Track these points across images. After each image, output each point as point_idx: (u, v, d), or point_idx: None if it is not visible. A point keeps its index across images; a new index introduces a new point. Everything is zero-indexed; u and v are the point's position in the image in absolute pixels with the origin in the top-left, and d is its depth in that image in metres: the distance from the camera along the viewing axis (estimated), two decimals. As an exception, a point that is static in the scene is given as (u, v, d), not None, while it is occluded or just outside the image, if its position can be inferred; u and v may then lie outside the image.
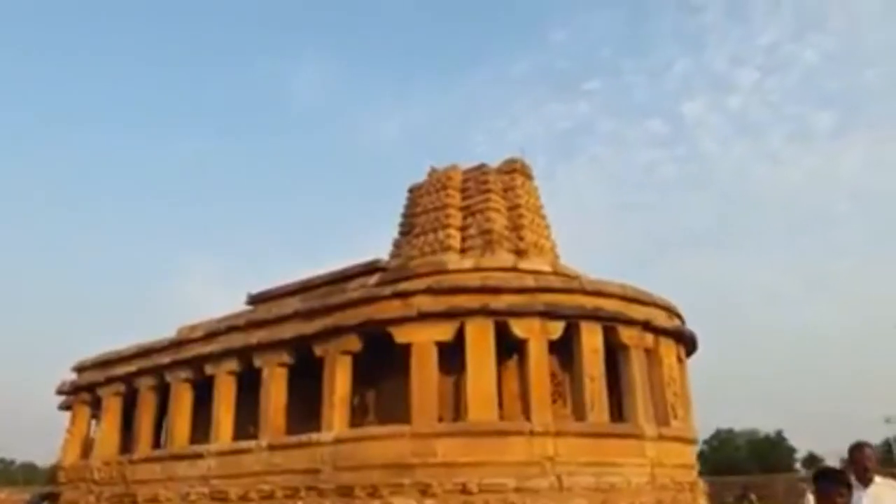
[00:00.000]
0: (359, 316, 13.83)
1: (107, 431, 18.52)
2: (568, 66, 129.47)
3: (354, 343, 13.96)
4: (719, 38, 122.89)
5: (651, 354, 14.33)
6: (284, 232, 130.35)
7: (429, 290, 13.48)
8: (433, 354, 13.18)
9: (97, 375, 19.15)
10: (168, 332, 18.28)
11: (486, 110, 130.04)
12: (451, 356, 13.38)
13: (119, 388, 18.69)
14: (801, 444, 65.22)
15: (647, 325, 14.16)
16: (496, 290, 13.33)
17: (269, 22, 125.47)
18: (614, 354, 14.03)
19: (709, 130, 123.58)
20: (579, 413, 13.40)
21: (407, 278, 14.65)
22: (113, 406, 18.75)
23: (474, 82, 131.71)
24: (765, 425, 61.33)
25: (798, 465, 63.56)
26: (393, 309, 13.56)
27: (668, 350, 14.82)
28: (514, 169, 18.12)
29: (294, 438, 14.14)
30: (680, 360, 15.34)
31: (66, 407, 21.04)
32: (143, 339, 18.65)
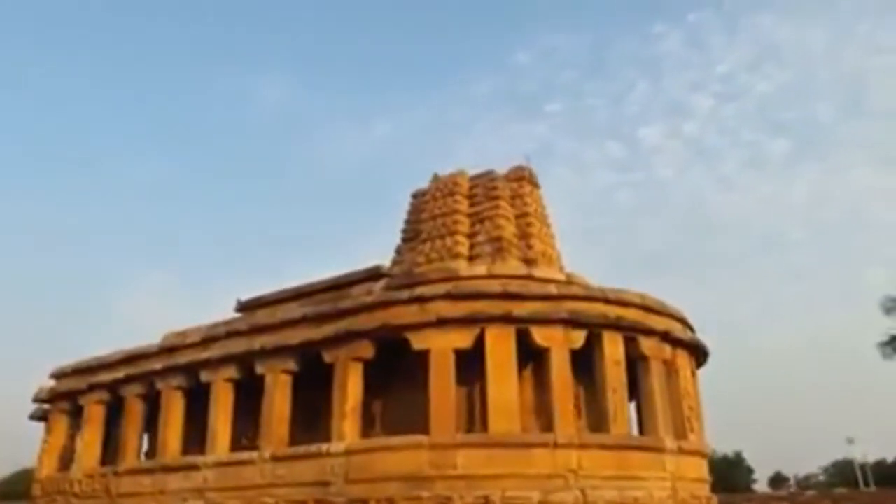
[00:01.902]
0: (373, 321, 13.30)
1: (89, 442, 17.53)
2: (531, 87, 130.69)
3: (367, 349, 13.42)
4: (678, 65, 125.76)
5: (668, 366, 14.08)
6: (238, 245, 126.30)
7: (448, 296, 13.04)
8: (452, 362, 12.72)
9: (78, 382, 18.16)
10: (105, 348, 17.73)
11: (451, 129, 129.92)
12: (465, 364, 12.92)
13: (103, 395, 17.75)
14: (763, 465, 65.97)
15: (665, 336, 13.92)
16: (518, 297, 12.95)
17: (233, 38, 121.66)
18: (632, 365, 13.75)
19: (666, 155, 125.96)
20: (598, 425, 13.06)
21: (417, 284, 14.15)
22: (95, 415, 17.78)
23: (440, 101, 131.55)
24: (723, 446, 61.87)
25: (758, 485, 64.26)
26: (410, 314, 13.08)
27: (684, 362, 14.60)
28: (522, 177, 17.80)
29: (301, 449, 13.49)
30: (692, 373, 15.12)
31: (37, 417, 19.95)
32: (83, 352, 17.95)
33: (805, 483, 66.14)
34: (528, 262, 16.32)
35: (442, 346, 12.76)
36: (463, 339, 12.80)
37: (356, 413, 13.33)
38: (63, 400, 18.69)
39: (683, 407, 14.08)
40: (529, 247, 16.76)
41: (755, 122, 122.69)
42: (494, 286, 13.19)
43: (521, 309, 12.81)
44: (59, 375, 19.00)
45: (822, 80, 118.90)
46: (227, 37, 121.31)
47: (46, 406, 19.57)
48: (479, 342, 12.81)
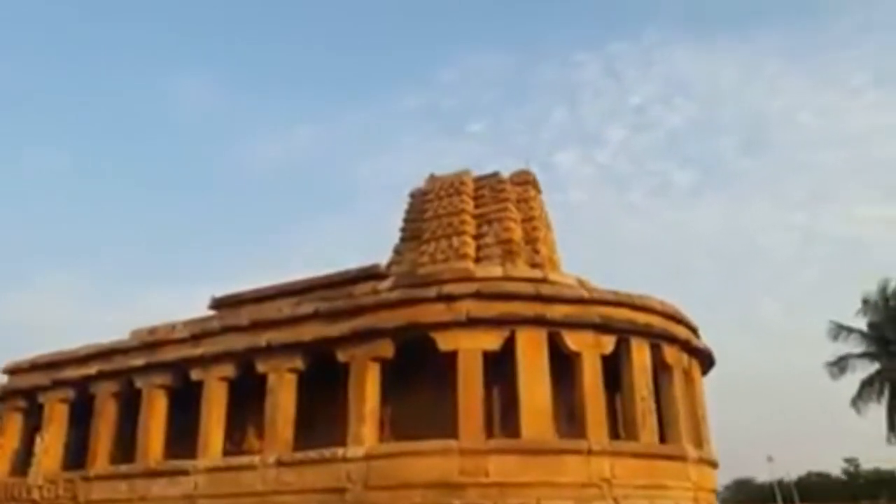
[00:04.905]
0: (396, 318, 12.64)
1: (51, 443, 15.99)
2: (454, 105, 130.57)
3: (387, 348, 12.72)
4: (594, 94, 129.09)
5: (686, 375, 14.00)
6: (152, 246, 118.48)
7: (478, 295, 12.54)
8: (480, 364, 12.19)
9: (39, 379, 16.59)
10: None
11: (373, 143, 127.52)
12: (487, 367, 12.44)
13: (67, 393, 16.26)
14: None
15: (685, 345, 13.85)
16: (550, 300, 12.59)
17: (152, 36, 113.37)
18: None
19: (579, 180, 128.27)
20: (618, 433, 12.84)
21: (440, 282, 13.55)
22: (59, 414, 16.26)
23: (363, 115, 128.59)
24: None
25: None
26: (436, 313, 12.49)
27: (697, 371, 14.59)
28: (527, 181, 17.49)
29: (313, 453, 12.60)
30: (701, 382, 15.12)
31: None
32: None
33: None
34: (535, 266, 15.97)
35: (471, 347, 12.22)
36: (492, 340, 12.31)
37: (375, 416, 12.62)
38: (18, 397, 17.02)
39: (698, 416, 14.03)
40: (536, 251, 16.42)
41: (664, 152, 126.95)
42: (526, 287, 12.79)
43: (553, 312, 12.44)
44: (13, 370, 17.34)
45: (727, 116, 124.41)
46: (146, 34, 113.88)
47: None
48: (508, 344, 12.36)
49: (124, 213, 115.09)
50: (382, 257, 17.17)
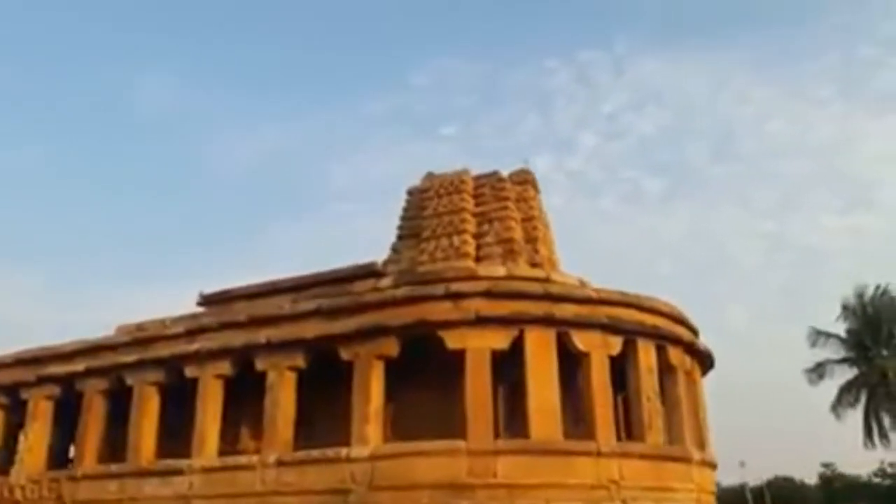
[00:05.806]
0: (403, 316, 12.41)
1: (35, 442, 15.46)
2: (427, 109, 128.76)
3: (392, 346, 12.49)
4: (567, 101, 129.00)
5: (688, 376, 14.00)
6: (122, 249, 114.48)
7: (487, 294, 12.37)
8: (489, 363, 12.02)
9: (23, 374, 16.04)
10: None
11: (344, 144, 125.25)
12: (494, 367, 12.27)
13: (53, 390, 15.74)
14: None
15: (689, 347, 13.84)
16: (560, 299, 12.47)
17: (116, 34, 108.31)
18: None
19: (553, 185, 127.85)
20: (633, 434, 12.76)
21: (432, 282, 13.35)
22: (43, 411, 15.73)
23: (333, 116, 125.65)
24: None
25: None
26: (445, 311, 12.30)
27: (698, 373, 14.60)
28: (527, 180, 17.40)
29: (315, 453, 12.32)
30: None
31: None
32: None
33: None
34: (535, 266, 15.88)
35: (479, 346, 12.04)
36: (501, 339, 12.14)
37: (379, 415, 12.37)
38: (0, 393, 16.44)
39: (700, 418, 14.03)
40: (536, 251, 16.33)
41: (635, 160, 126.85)
42: (535, 286, 12.66)
43: (562, 311, 12.32)
44: (-5, 366, 16.74)
45: (697, 124, 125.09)
46: (109, 31, 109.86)
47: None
48: (515, 344, 12.21)
49: (90, 212, 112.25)
50: (360, 256, 16.79)
